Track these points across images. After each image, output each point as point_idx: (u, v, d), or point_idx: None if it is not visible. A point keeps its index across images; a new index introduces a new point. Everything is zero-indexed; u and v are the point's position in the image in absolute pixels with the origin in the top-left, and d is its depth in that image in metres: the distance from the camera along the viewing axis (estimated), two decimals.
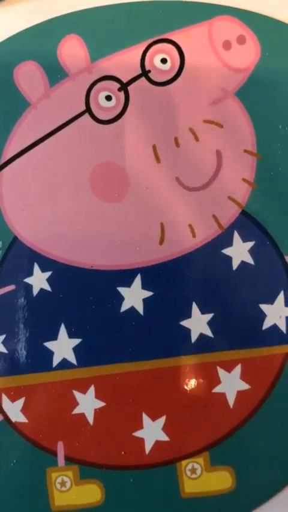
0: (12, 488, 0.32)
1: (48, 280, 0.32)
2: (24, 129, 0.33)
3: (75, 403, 0.32)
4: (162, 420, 0.32)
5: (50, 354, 0.32)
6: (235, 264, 0.33)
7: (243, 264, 0.33)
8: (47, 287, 0.32)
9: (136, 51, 0.33)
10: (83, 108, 0.33)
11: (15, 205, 0.33)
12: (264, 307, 0.32)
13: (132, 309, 0.32)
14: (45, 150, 0.33)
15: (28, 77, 0.33)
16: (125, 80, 0.33)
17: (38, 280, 0.32)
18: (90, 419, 0.32)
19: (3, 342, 0.32)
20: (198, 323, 0.32)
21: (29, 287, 0.32)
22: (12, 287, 0.32)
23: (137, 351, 0.32)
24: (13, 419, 0.32)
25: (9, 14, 0.33)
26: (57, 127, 0.33)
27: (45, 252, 0.33)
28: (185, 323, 0.32)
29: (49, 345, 0.32)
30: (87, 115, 0.33)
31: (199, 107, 0.33)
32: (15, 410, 0.32)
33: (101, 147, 0.33)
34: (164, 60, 0.33)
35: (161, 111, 0.33)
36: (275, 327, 0.32)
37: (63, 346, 0.32)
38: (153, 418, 0.32)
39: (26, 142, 0.33)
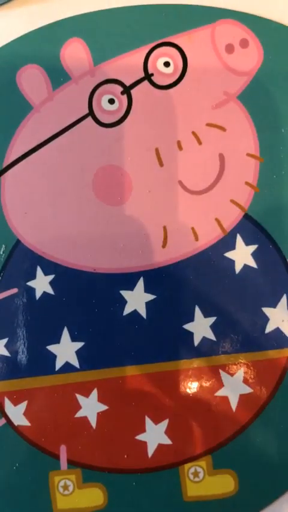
0: (14, 492, 0.32)
1: (51, 283, 0.32)
2: (27, 132, 0.33)
3: (78, 407, 0.32)
4: (165, 424, 0.32)
5: (52, 357, 0.32)
6: (238, 268, 0.33)
7: (246, 267, 0.33)
8: (50, 290, 0.32)
9: (139, 55, 0.33)
10: (86, 111, 0.33)
11: (18, 208, 0.33)
12: (267, 310, 0.33)
13: (135, 312, 0.32)
14: (48, 153, 0.33)
15: (31, 80, 0.33)
16: (128, 83, 0.33)
17: (41, 283, 0.32)
18: (93, 422, 0.32)
19: (6, 346, 0.32)
20: (201, 326, 0.32)
21: (31, 290, 0.32)
22: (15, 290, 0.32)
23: (139, 354, 0.32)
24: (16, 423, 0.32)
25: (12, 17, 0.33)
26: (60, 130, 0.33)
27: (48, 255, 0.33)
28: (187, 326, 0.32)
29: (52, 348, 0.32)
30: (90, 118, 0.33)
31: (202, 110, 0.33)
32: (17, 414, 0.32)
33: (104, 150, 0.33)
34: (167, 64, 0.33)
35: (164, 114, 0.33)
36: (277, 331, 0.33)
37: (66, 350, 0.32)
38: (156, 421, 0.32)
39: (28, 145, 0.33)
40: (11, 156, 0.33)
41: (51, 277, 0.32)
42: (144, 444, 0.32)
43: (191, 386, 0.32)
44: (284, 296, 0.33)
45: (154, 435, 0.32)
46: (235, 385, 0.32)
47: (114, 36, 0.33)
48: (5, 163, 0.33)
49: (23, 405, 0.32)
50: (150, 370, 0.32)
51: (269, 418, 0.32)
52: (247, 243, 0.33)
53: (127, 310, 0.32)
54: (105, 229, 0.33)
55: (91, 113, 0.33)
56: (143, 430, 0.32)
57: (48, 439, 0.32)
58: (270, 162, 0.33)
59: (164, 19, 0.33)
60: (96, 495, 0.32)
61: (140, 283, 0.32)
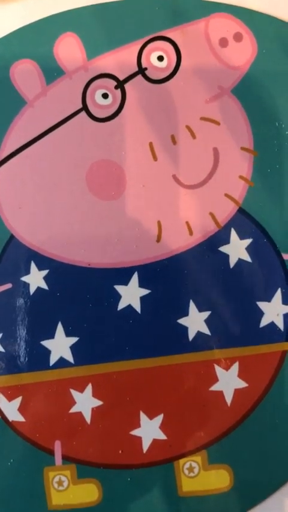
0: (9, 488, 0.32)
1: (45, 278, 0.32)
2: (21, 127, 0.33)
3: (73, 402, 0.32)
4: (159, 419, 0.32)
5: (47, 352, 0.32)
6: (232, 262, 0.33)
7: (240, 261, 0.33)
8: (44, 285, 0.32)
9: (133, 49, 0.33)
10: (80, 106, 0.33)
11: (11, 203, 0.33)
12: (261, 304, 0.32)
13: (129, 307, 0.32)
14: (42, 148, 0.33)
15: (24, 75, 0.33)
16: (121, 77, 0.33)
17: (35, 278, 0.32)
18: (88, 418, 0.32)
19: (0, 341, 0.32)
20: (195, 321, 0.32)
21: (26, 285, 0.32)
22: (9, 285, 0.32)
23: (134, 349, 0.32)
24: (10, 419, 0.32)
25: (5, 12, 0.33)
26: (53, 125, 0.33)
27: (42, 251, 0.32)
28: (182, 321, 0.32)
29: (46, 343, 0.32)
30: (83, 113, 0.33)
31: (196, 104, 0.33)
32: (12, 410, 0.32)
33: (98, 145, 0.33)
34: (160, 58, 0.33)
35: (158, 108, 0.33)
36: (272, 325, 0.32)
37: (60, 345, 0.32)
38: (151, 416, 0.32)
39: (22, 140, 0.33)
40: (5, 151, 0.33)
41: (45, 272, 0.32)
42: (139, 439, 0.32)
43: (186, 381, 0.32)
44: (279, 290, 0.33)
45: (149, 430, 0.32)
46: (230, 379, 0.32)
47: (108, 30, 0.33)
48: None
49: (17, 401, 0.32)
50: (144, 365, 0.32)
51: (264, 412, 0.32)
52: (241, 237, 0.33)
53: (121, 305, 0.32)
54: (100, 224, 0.33)
55: (85, 108, 0.33)
56: (138, 425, 0.32)
57: (43, 435, 0.32)
58: (265, 155, 0.33)
59: (158, 13, 0.33)
60: (91, 491, 0.32)
61: (135, 278, 0.32)
